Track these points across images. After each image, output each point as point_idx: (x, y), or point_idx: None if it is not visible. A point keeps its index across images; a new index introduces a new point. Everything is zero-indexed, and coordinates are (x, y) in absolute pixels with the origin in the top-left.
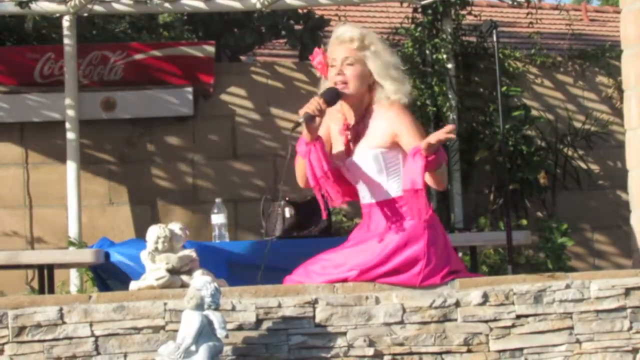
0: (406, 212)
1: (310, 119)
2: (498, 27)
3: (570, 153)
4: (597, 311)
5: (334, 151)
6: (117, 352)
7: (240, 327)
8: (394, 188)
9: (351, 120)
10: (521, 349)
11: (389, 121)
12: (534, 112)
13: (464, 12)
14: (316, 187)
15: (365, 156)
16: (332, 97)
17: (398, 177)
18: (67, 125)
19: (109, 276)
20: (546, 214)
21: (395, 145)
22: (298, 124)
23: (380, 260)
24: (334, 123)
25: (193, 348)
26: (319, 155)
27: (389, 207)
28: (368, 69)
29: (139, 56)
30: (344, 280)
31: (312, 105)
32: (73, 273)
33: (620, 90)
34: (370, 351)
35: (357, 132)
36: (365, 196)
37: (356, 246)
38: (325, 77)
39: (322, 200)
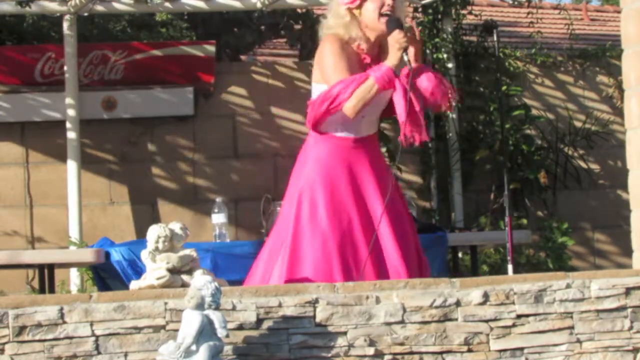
0: None
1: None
2: (498, 26)
3: (570, 152)
4: (598, 311)
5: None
6: (117, 352)
7: (240, 327)
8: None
9: (371, 52)
10: (522, 349)
11: None
12: (535, 112)
13: (464, 11)
14: (407, 122)
15: None
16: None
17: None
18: (68, 124)
19: (109, 276)
20: (547, 213)
21: None
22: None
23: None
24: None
25: (194, 347)
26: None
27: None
28: None
29: (139, 56)
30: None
31: (403, 39)
32: (73, 272)
33: (620, 89)
34: (370, 351)
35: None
36: (364, 129)
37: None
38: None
39: (408, 131)
